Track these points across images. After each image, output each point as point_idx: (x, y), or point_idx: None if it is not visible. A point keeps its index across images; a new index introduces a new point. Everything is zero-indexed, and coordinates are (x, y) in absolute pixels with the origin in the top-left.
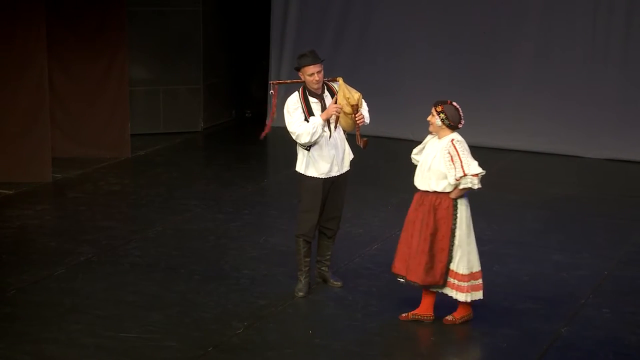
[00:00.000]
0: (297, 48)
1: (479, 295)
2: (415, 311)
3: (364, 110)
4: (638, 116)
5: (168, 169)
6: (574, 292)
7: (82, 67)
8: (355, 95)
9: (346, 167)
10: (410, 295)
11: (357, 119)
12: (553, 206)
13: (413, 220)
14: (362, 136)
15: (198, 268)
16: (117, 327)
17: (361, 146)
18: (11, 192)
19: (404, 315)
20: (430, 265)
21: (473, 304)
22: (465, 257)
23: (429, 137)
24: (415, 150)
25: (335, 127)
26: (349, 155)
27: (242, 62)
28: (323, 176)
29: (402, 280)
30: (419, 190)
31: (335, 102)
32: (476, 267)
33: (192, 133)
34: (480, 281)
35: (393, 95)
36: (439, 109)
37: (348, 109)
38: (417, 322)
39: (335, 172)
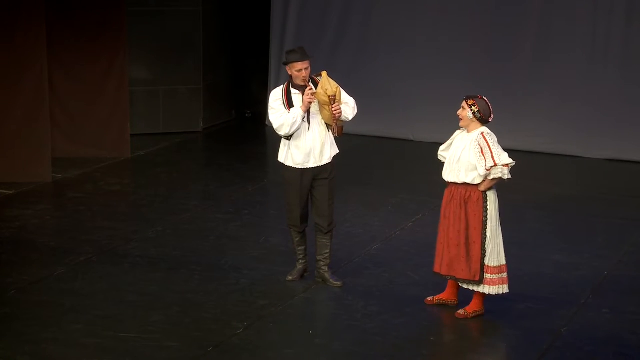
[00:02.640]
0: None
1: (506, 288)
2: (440, 296)
3: (347, 106)
4: (638, 116)
5: (168, 169)
6: (574, 292)
7: (82, 67)
8: (334, 86)
9: (325, 160)
10: (410, 295)
11: (333, 110)
12: (553, 206)
13: (447, 215)
14: (343, 130)
15: (198, 268)
16: (117, 327)
17: (336, 135)
18: (11, 192)
19: (429, 299)
20: (467, 259)
21: (485, 296)
22: (496, 250)
23: (456, 133)
24: (442, 147)
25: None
26: (330, 149)
27: (242, 62)
28: (299, 167)
29: (448, 278)
30: (449, 184)
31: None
32: (503, 259)
33: (192, 133)
34: (506, 274)
35: (393, 95)
36: (471, 102)
37: (324, 99)
38: (419, 320)
39: (312, 164)
